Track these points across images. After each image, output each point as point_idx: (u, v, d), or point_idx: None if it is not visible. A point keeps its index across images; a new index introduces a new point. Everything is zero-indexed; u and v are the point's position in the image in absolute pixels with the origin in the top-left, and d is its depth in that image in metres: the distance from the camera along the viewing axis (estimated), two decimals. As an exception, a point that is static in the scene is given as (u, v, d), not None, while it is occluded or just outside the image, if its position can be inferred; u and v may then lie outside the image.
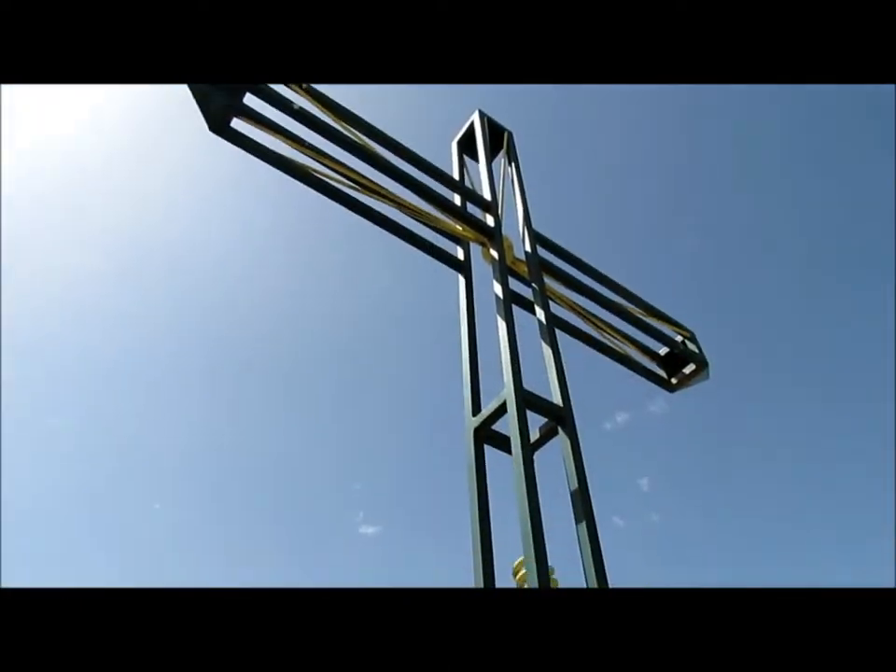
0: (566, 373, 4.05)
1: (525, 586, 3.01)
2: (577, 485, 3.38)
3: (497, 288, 4.42)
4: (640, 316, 5.46)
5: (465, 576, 3.47)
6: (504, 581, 3.43)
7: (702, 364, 5.41)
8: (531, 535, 2.98)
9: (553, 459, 3.71)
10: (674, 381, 5.50)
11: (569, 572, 3.41)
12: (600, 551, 3.26)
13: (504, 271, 4.53)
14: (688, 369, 5.45)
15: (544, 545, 2.99)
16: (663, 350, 5.62)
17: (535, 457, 3.53)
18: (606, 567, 3.23)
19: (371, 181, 4.37)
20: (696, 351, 5.50)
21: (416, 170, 4.64)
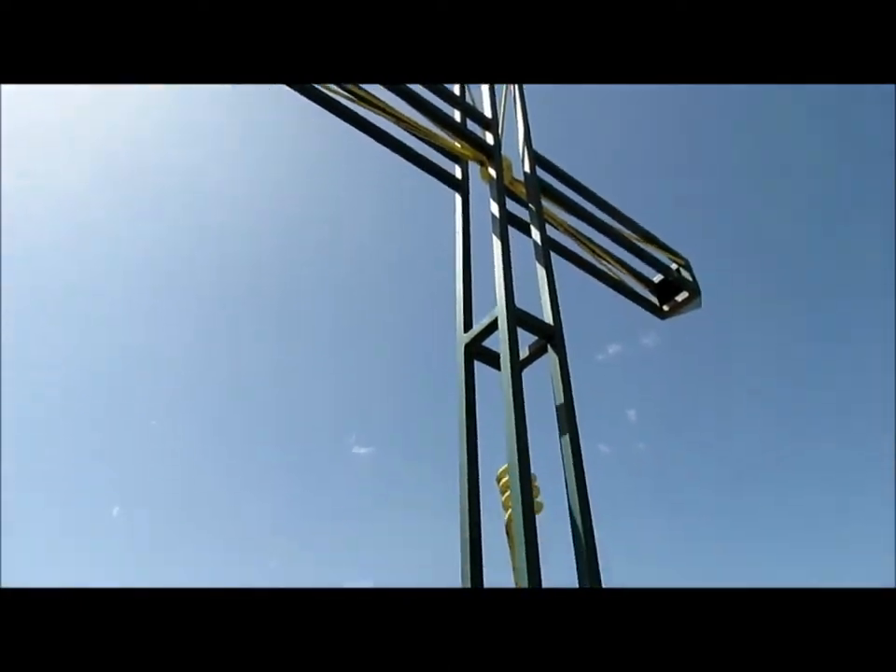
0: (558, 294, 4.10)
1: (508, 492, 3.15)
2: (563, 400, 3.48)
3: (494, 208, 4.40)
4: (636, 242, 5.46)
5: (451, 490, 3.60)
6: (489, 489, 3.57)
7: (694, 292, 5.45)
8: (516, 444, 3.09)
9: (543, 385, 3.79)
10: (666, 308, 5.56)
11: (552, 484, 3.54)
12: (582, 465, 3.37)
13: (502, 190, 4.50)
14: (680, 296, 5.49)
15: (528, 454, 3.10)
16: (657, 277, 5.65)
17: (525, 385, 3.59)
18: (587, 480, 3.37)
19: (368, 93, 4.29)
20: (690, 279, 5.53)
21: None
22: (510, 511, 3.08)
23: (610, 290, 5.43)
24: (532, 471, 3.16)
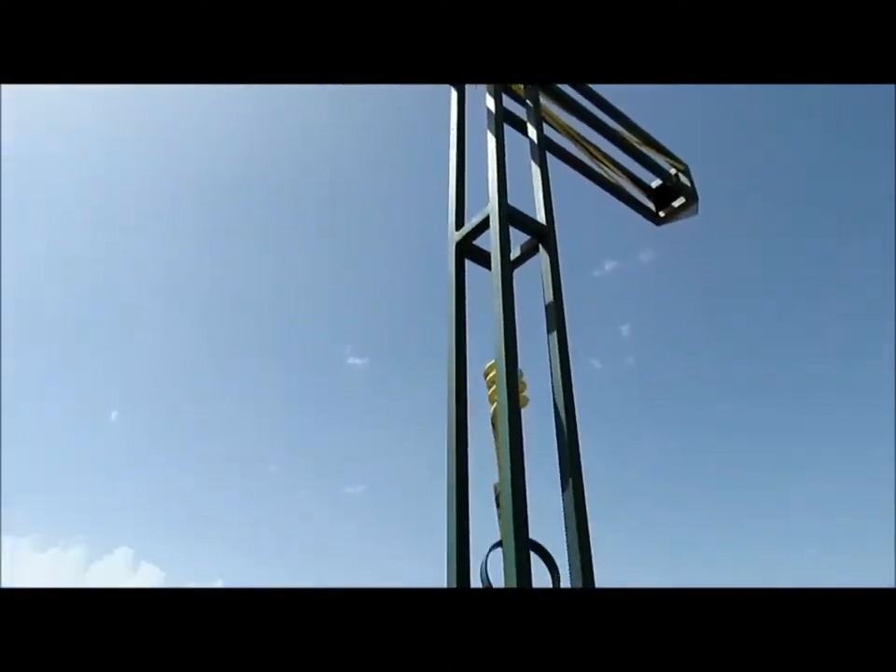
0: (552, 194, 4.02)
1: (494, 387, 3.20)
2: (552, 299, 3.48)
3: (490, 103, 4.25)
4: (636, 145, 5.32)
5: (443, 396, 3.64)
6: (476, 386, 3.62)
7: (692, 197, 5.36)
8: (503, 340, 3.11)
9: (533, 293, 3.77)
10: (662, 214, 5.48)
11: (538, 380, 3.59)
12: (568, 363, 3.41)
13: (499, 85, 4.34)
14: (677, 202, 5.41)
15: (515, 349, 3.12)
16: (655, 183, 5.54)
17: (516, 291, 3.56)
18: (573, 379, 3.41)
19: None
20: (688, 184, 5.43)
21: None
22: (495, 404, 3.13)
23: (608, 206, 5.34)
24: (519, 368, 3.20)
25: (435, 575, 3.23)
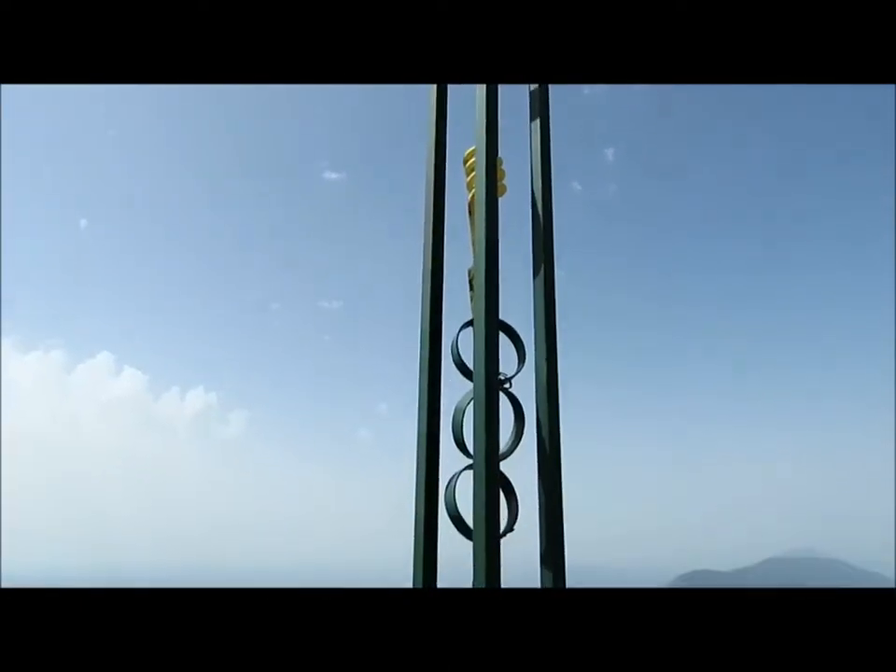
0: None
1: (473, 174, 3.18)
2: (537, 84, 3.37)
3: None
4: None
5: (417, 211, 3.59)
6: (455, 186, 3.60)
7: None
8: (484, 125, 3.05)
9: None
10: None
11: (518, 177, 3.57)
12: (549, 151, 3.38)
13: None
14: None
15: (496, 135, 3.08)
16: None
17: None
18: (552, 169, 3.40)
19: None
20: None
21: None
22: (473, 191, 3.15)
23: None
24: (499, 156, 3.16)
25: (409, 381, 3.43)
